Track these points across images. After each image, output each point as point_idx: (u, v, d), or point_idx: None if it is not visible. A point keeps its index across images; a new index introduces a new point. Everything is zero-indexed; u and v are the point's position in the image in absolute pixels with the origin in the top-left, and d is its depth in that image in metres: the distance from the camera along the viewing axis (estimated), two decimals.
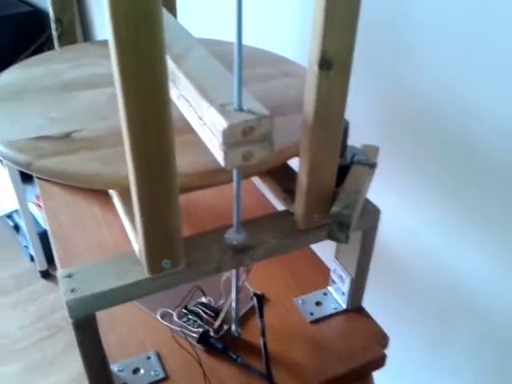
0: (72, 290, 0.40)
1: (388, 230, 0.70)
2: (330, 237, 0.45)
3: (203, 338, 0.53)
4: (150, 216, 0.38)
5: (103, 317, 0.50)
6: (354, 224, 0.45)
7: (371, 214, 0.51)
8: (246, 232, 0.46)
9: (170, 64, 0.49)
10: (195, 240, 0.45)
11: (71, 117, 0.54)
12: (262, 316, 0.54)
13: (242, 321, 0.56)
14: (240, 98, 0.38)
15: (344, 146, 0.52)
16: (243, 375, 0.51)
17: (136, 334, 0.54)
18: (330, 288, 0.61)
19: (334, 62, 0.38)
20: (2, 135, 0.50)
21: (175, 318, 0.55)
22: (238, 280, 0.50)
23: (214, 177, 0.44)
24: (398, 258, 0.77)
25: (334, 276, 0.60)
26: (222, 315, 0.55)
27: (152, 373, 0.50)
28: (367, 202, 0.52)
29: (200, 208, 0.75)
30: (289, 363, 0.52)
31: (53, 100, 0.57)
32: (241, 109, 0.38)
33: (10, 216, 1.59)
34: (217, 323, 0.54)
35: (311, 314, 0.58)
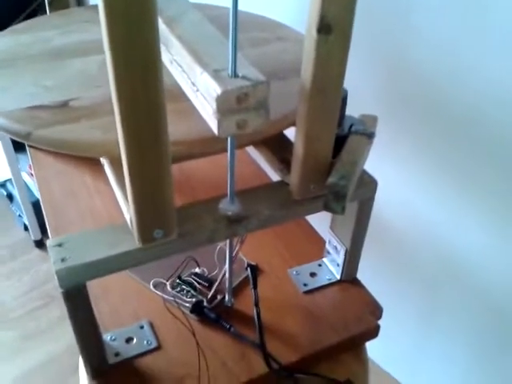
0: (62, 260, 0.39)
1: (382, 199, 0.69)
2: (326, 208, 0.45)
3: (196, 308, 0.53)
4: (141, 184, 0.37)
5: (96, 286, 0.50)
6: (350, 195, 0.44)
7: (368, 185, 0.50)
8: (240, 202, 0.45)
9: (163, 27, 0.47)
10: (188, 210, 0.44)
11: (65, 85, 0.52)
12: (255, 287, 0.54)
13: (236, 291, 0.56)
14: (235, 63, 0.36)
15: (342, 115, 0.50)
16: (236, 345, 0.51)
17: (129, 304, 0.54)
18: (324, 259, 0.61)
19: (334, 26, 0.37)
20: None
21: (168, 288, 0.55)
22: (231, 251, 0.49)
23: (207, 145, 0.43)
24: (392, 228, 0.77)
25: (328, 247, 0.60)
26: (215, 285, 0.54)
27: (145, 342, 0.50)
28: (364, 173, 0.51)
29: (193, 178, 0.74)
30: (282, 333, 0.52)
31: (44, 68, 0.55)
32: (235, 75, 0.37)
33: (3, 185, 1.57)
34: (210, 293, 0.54)
35: (305, 284, 0.58)
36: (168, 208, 0.39)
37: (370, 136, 0.50)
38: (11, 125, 0.46)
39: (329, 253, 0.60)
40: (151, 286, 0.55)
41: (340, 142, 0.49)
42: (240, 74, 0.37)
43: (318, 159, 0.45)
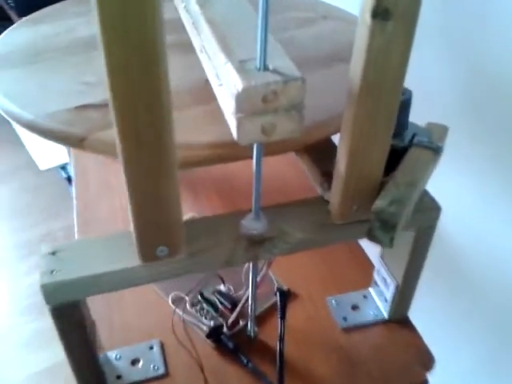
0: (52, 272, 0.34)
1: (448, 224, 0.59)
2: (370, 237, 0.36)
3: (214, 334, 0.46)
4: (141, 193, 0.31)
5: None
6: (401, 224, 0.35)
7: (429, 211, 0.41)
8: (266, 220, 0.38)
9: (195, 9, 0.40)
10: (203, 225, 0.37)
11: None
12: (283, 317, 0.46)
13: (262, 319, 0.49)
14: (264, 53, 0.29)
15: (403, 122, 0.41)
16: (252, 382, 0.44)
17: (144, 318, 0.49)
18: (371, 290, 0.52)
19: (393, 11, 0.28)
20: (34, 107, 0.39)
21: (188, 305, 0.49)
22: (255, 275, 0.42)
23: (227, 150, 0.36)
24: (457, 260, 0.66)
25: (377, 277, 0.51)
26: (237, 310, 0.48)
27: (151, 366, 0.44)
28: (425, 195, 0.42)
29: (216, 185, 0.67)
30: (307, 376, 0.44)
31: (79, 61, 0.49)
32: (265, 67, 0.30)
33: (63, 168, 1.60)
34: (231, 318, 0.47)
35: (344, 319, 0.49)
36: (174, 222, 0.33)
37: (437, 150, 0.40)
38: (60, 129, 0.37)
39: (377, 284, 0.51)
40: (170, 301, 0.50)
41: (398, 155, 0.40)
42: (271, 67, 0.30)
43: (365, 176, 0.36)
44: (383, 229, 0.35)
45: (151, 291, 0.51)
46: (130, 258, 0.34)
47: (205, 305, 0.49)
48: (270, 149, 0.34)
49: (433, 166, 0.40)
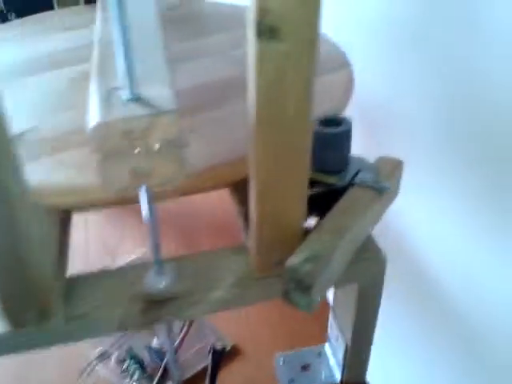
0: None
1: (435, 260, 0.52)
2: (286, 298, 0.30)
3: None
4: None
5: None
6: (323, 284, 0.29)
7: (371, 263, 0.34)
8: (171, 275, 0.32)
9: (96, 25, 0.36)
10: (91, 280, 0.32)
11: (22, 110, 0.43)
12: (212, 382, 0.40)
13: (195, 380, 0.42)
14: (130, 79, 0.24)
15: (343, 158, 0.36)
16: None
17: (64, 376, 0.43)
18: (327, 346, 0.46)
19: (282, 29, 0.23)
20: None
21: (113, 363, 0.43)
22: (171, 339, 0.36)
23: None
24: (451, 310, 0.58)
25: (330, 333, 0.44)
26: (160, 372, 0.41)
27: None
28: (370, 243, 0.35)
29: (197, 216, 0.62)
30: None
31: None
32: (136, 97, 0.25)
33: None
34: (155, 381, 0.41)
35: (291, 381, 0.43)
36: (41, 279, 0.28)
37: (380, 191, 0.34)
38: None
39: (331, 341, 0.44)
40: (94, 357, 0.44)
41: (337, 196, 0.34)
42: (143, 97, 0.25)
43: (281, 224, 0.30)
44: (299, 290, 0.29)
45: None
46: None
47: (132, 363, 0.43)
48: (160, 193, 0.29)
49: (378, 208, 0.34)
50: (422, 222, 0.56)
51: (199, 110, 0.38)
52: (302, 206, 0.30)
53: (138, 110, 0.24)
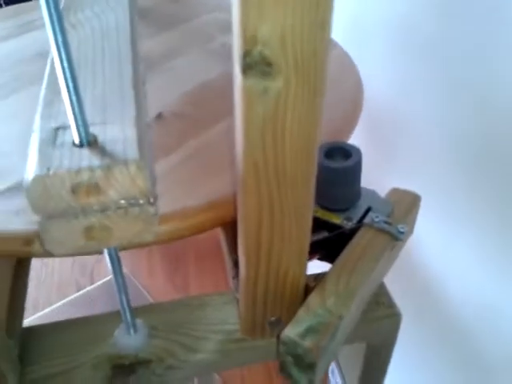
0: None
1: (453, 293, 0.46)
2: (283, 372, 0.25)
3: None
4: None
5: None
6: (327, 359, 0.24)
7: (381, 321, 0.29)
8: (144, 333, 0.27)
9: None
10: (46, 337, 0.27)
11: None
12: None
13: None
14: (82, 117, 0.19)
15: (352, 193, 0.30)
16: None
17: None
18: None
19: (277, 61, 0.17)
20: None
21: None
22: None
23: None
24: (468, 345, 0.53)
25: (332, 380, 0.39)
26: None
27: None
28: (382, 295, 0.30)
29: (190, 239, 0.57)
30: None
31: None
32: (89, 141, 0.19)
33: None
34: None
35: None
36: None
37: (396, 235, 0.29)
38: None
39: None
40: None
41: (343, 237, 0.29)
42: (101, 139, 0.19)
43: (279, 279, 0.25)
44: (298, 366, 0.24)
45: None
46: None
47: None
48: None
49: (391, 255, 0.29)
50: (433, 244, 0.50)
51: (161, 135, 0.32)
52: (303, 260, 0.25)
53: (90, 159, 0.18)
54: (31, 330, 0.27)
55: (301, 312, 0.24)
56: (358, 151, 0.29)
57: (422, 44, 0.43)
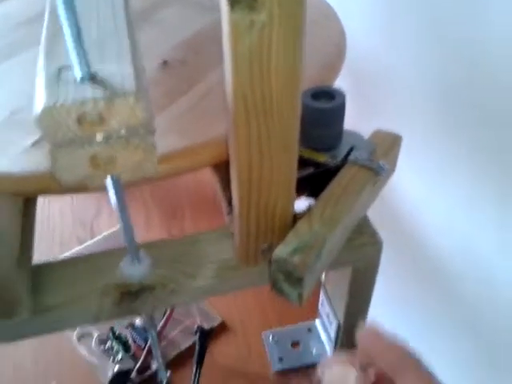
0: None
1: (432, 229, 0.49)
2: (275, 289, 0.28)
3: (117, 381, 0.39)
4: None
5: None
6: (314, 275, 0.27)
7: (366, 247, 0.32)
8: (148, 263, 0.29)
9: None
10: (56, 270, 0.29)
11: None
12: (200, 362, 0.39)
13: (181, 359, 0.41)
14: (83, 54, 0.20)
15: (336, 133, 0.32)
16: None
17: (41, 355, 0.42)
18: (317, 322, 0.44)
19: None
20: None
21: (94, 343, 0.42)
22: (152, 323, 0.34)
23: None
24: (446, 276, 0.56)
25: (321, 310, 0.43)
26: (144, 352, 0.40)
27: None
28: (365, 226, 0.33)
29: (181, 188, 0.59)
30: None
31: None
32: (90, 77, 0.21)
33: None
34: (139, 362, 0.40)
35: (280, 359, 0.41)
36: (2, 269, 0.25)
37: (377, 171, 0.31)
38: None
39: (322, 317, 0.43)
40: (75, 337, 0.42)
41: (330, 175, 0.31)
42: (101, 75, 0.21)
43: (268, 209, 0.27)
44: (288, 282, 0.26)
45: None
46: None
47: (114, 343, 0.42)
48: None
49: (373, 189, 0.31)
50: (418, 190, 0.53)
51: (171, 80, 0.33)
52: (291, 192, 0.27)
53: (93, 92, 0.20)
54: (41, 265, 0.30)
55: (290, 235, 0.26)
56: (341, 94, 0.31)
57: None
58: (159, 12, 0.41)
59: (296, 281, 0.26)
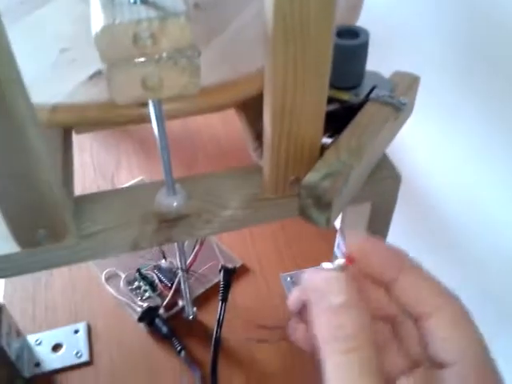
0: None
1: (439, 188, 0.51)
2: (303, 215, 0.30)
3: (147, 316, 0.41)
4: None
5: None
6: (341, 200, 0.29)
7: (386, 181, 0.34)
8: (183, 194, 0.31)
9: None
10: (101, 200, 0.31)
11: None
12: (224, 299, 0.41)
13: (206, 297, 0.43)
14: None
15: (359, 72, 0.34)
16: (185, 372, 0.39)
17: (71, 297, 0.44)
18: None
19: None
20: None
21: (122, 283, 0.44)
22: (183, 256, 0.36)
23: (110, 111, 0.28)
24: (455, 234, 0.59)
25: (337, 252, 0.45)
26: (173, 289, 0.42)
27: (74, 353, 0.40)
28: (384, 161, 0.34)
29: (197, 140, 0.60)
30: (249, 365, 0.39)
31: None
32: (143, 0, 0.22)
33: None
34: (167, 299, 0.42)
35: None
36: (50, 197, 0.27)
37: (398, 107, 0.33)
38: None
39: (336, 259, 0.45)
40: (103, 278, 0.44)
41: (352, 112, 0.32)
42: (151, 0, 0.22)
43: (298, 141, 0.29)
44: (317, 207, 0.28)
45: (83, 265, 0.46)
46: (9, 242, 0.29)
47: (142, 283, 0.44)
48: (173, 110, 0.28)
49: (394, 125, 0.33)
50: (426, 142, 0.55)
51: (205, 17, 0.35)
52: (320, 123, 0.29)
53: (146, 13, 0.21)
54: (83, 196, 0.31)
55: (319, 163, 0.28)
56: (365, 32, 0.32)
57: None
58: None
59: (324, 205, 0.28)
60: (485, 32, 0.44)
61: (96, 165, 0.54)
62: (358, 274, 0.21)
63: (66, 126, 0.32)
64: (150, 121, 0.27)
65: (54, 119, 0.27)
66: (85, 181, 0.53)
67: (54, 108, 0.27)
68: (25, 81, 0.25)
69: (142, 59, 0.22)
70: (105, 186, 0.53)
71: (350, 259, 0.22)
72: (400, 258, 0.21)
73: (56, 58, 0.30)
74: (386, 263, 0.21)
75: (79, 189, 0.52)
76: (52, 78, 0.29)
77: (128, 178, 0.53)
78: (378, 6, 0.50)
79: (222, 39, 0.31)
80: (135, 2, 0.22)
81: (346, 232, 0.24)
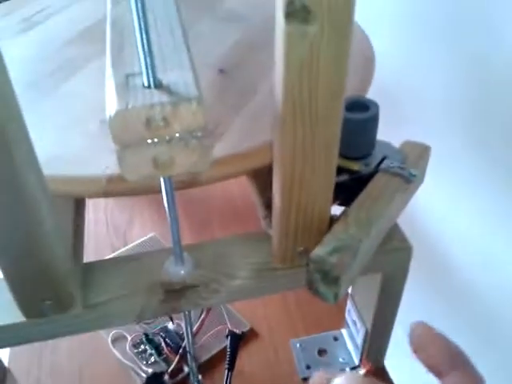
0: None
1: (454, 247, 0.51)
2: (310, 289, 0.29)
3: (151, 383, 0.40)
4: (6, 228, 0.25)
5: None
6: (350, 275, 0.28)
7: (397, 253, 0.33)
8: (191, 263, 0.31)
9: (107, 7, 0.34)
10: (105, 268, 0.31)
11: None
12: (231, 368, 0.40)
13: (212, 363, 0.42)
14: (150, 63, 0.23)
15: (369, 142, 0.34)
16: None
17: (77, 360, 0.43)
18: (343, 332, 0.45)
19: (316, 9, 0.21)
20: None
21: (128, 346, 0.43)
22: (189, 325, 0.35)
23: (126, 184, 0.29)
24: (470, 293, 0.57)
25: (348, 318, 0.44)
26: (179, 355, 0.41)
27: None
28: (395, 232, 0.34)
29: (211, 203, 0.60)
30: None
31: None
32: (156, 84, 0.23)
33: None
34: (173, 365, 0.41)
35: (308, 367, 0.42)
36: (58, 266, 0.27)
37: (408, 178, 0.33)
38: None
39: (348, 326, 0.44)
40: (109, 340, 0.44)
41: (362, 183, 0.32)
42: (165, 82, 0.23)
43: (307, 212, 0.29)
44: (325, 282, 0.28)
45: None
46: (14, 313, 0.28)
47: (148, 346, 0.43)
48: (182, 182, 0.28)
49: (404, 196, 0.33)
50: (439, 205, 0.54)
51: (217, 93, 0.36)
52: (330, 194, 0.29)
53: (159, 97, 0.22)
54: (91, 264, 0.32)
55: (327, 237, 0.28)
56: (375, 104, 0.32)
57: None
58: (192, 29, 0.44)
59: (332, 280, 0.27)
60: (499, 98, 0.44)
61: (109, 221, 0.55)
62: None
63: (117, 196, 0.33)
64: (153, 192, 0.27)
65: (109, 190, 0.28)
66: (98, 238, 0.54)
67: (110, 179, 0.27)
68: (70, 153, 0.25)
69: (154, 140, 0.23)
70: (117, 243, 0.53)
71: (368, 370, 0.23)
72: (455, 354, 0.22)
73: (98, 129, 0.31)
74: (442, 357, 0.22)
75: (92, 246, 0.52)
76: (99, 150, 0.30)
77: (140, 234, 0.53)
78: (386, 78, 0.52)
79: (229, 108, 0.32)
80: (149, 86, 0.23)
81: (412, 325, 0.24)
